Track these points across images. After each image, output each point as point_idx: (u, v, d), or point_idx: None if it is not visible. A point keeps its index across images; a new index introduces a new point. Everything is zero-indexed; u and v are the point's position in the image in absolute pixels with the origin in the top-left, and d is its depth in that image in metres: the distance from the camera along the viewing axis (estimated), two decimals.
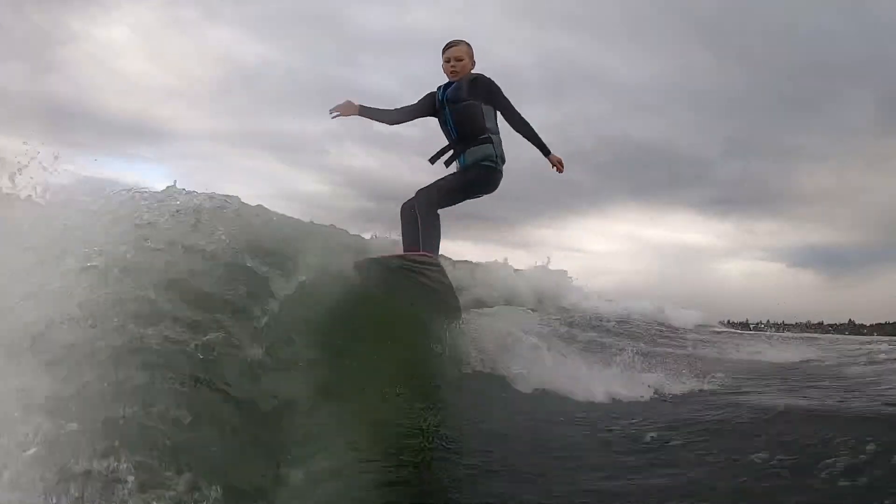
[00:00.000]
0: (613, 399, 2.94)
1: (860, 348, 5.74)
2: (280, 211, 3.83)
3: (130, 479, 1.46)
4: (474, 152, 3.62)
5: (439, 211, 3.62)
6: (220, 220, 2.79)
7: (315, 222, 4.32)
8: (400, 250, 3.78)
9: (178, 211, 2.62)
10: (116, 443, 1.53)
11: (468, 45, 3.68)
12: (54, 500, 1.38)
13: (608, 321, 6.30)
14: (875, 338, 7.31)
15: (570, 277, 6.83)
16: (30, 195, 2.63)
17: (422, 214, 3.61)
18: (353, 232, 4.70)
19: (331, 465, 1.86)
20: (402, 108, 3.80)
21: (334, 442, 1.99)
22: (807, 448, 2.05)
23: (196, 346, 2.05)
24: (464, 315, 3.64)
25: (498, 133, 3.68)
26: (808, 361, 4.80)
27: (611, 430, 2.42)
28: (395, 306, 3.42)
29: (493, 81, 3.63)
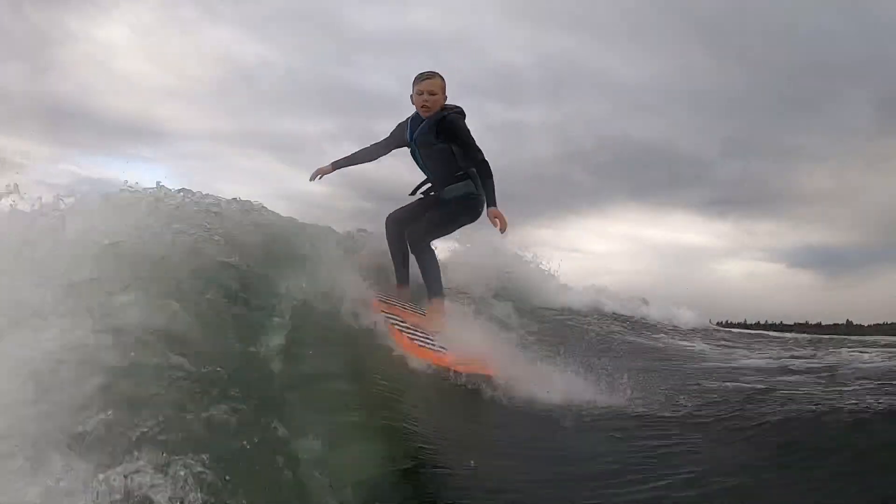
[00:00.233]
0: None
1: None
2: (278, 211, 3.82)
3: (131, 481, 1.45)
4: (452, 190, 3.64)
5: None
6: (235, 224, 2.82)
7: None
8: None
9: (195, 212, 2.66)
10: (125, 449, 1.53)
11: (442, 78, 3.52)
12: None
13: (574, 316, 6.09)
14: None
15: (552, 275, 6.66)
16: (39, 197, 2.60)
17: (417, 253, 3.64)
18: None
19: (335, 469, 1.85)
20: (375, 144, 3.81)
21: (340, 446, 1.98)
22: None
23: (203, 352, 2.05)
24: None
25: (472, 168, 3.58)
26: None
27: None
28: None
29: (458, 120, 3.52)
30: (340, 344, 2.85)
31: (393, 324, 3.32)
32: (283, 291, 2.79)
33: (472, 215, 3.68)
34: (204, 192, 3.09)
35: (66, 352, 1.76)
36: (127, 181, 2.89)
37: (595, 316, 6.40)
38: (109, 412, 1.61)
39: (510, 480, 1.99)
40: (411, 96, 3.54)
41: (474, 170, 3.55)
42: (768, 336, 7.50)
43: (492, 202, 3.38)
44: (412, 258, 3.79)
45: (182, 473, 1.48)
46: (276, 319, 2.56)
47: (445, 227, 3.75)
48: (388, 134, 3.78)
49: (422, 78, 3.50)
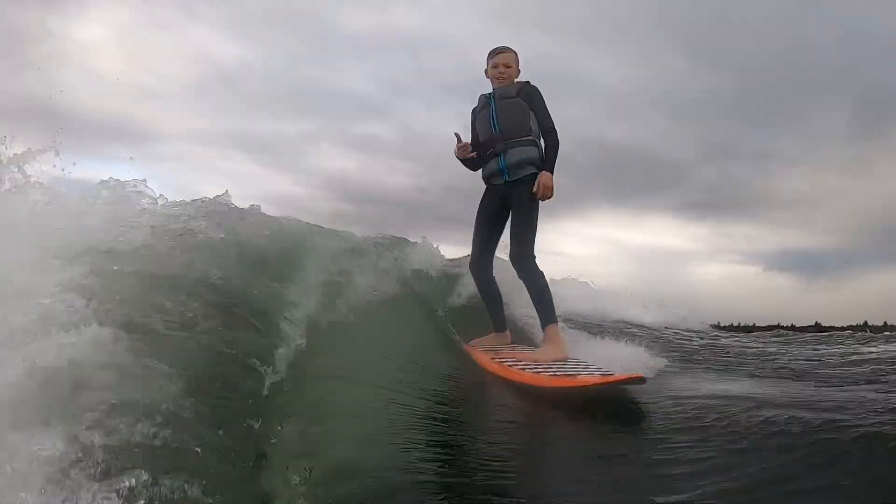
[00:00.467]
0: None
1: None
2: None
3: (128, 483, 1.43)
4: (518, 153, 3.47)
5: None
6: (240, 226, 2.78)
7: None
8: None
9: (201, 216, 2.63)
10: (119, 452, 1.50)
11: (515, 52, 3.66)
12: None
13: None
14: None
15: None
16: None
17: (526, 274, 3.41)
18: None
19: (338, 468, 1.82)
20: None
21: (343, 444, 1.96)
22: None
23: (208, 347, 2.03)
24: None
25: (540, 140, 3.54)
26: None
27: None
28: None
29: (537, 88, 3.58)
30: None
31: (506, 364, 3.18)
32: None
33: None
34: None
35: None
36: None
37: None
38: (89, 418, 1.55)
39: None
40: (486, 70, 3.68)
41: (540, 141, 3.52)
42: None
43: (548, 167, 3.42)
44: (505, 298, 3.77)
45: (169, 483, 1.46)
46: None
47: (531, 217, 3.48)
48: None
49: (497, 52, 3.65)
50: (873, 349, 4.84)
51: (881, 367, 3.67)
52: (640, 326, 6.58)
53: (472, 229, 3.78)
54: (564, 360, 3.22)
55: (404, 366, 2.92)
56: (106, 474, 1.42)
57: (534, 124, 3.52)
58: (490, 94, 3.65)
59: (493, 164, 3.57)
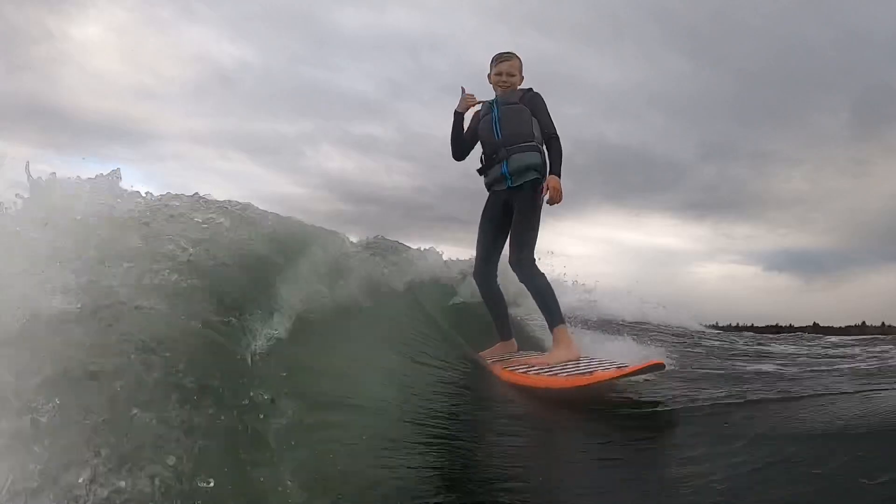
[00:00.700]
0: None
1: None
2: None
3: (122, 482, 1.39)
4: (520, 158, 3.47)
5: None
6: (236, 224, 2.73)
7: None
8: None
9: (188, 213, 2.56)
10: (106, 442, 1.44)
11: (519, 59, 3.63)
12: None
13: None
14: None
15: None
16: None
17: (527, 278, 3.39)
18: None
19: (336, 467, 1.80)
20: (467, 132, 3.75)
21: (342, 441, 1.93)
22: None
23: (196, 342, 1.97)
24: None
25: (543, 146, 3.54)
26: None
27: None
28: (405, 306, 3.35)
29: (540, 95, 3.58)
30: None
31: (519, 372, 3.16)
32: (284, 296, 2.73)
33: (542, 195, 3.47)
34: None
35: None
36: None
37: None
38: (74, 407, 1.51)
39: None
40: (488, 75, 3.64)
41: (542, 148, 3.52)
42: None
43: (555, 171, 3.39)
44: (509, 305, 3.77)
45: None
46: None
47: (533, 221, 3.47)
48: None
49: (500, 59, 3.61)
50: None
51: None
52: (640, 326, 6.57)
53: (473, 230, 3.77)
54: (577, 360, 3.21)
55: (407, 369, 2.90)
56: (106, 474, 1.38)
57: (536, 130, 3.51)
58: (493, 100, 3.65)
59: (495, 171, 3.57)
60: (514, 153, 3.49)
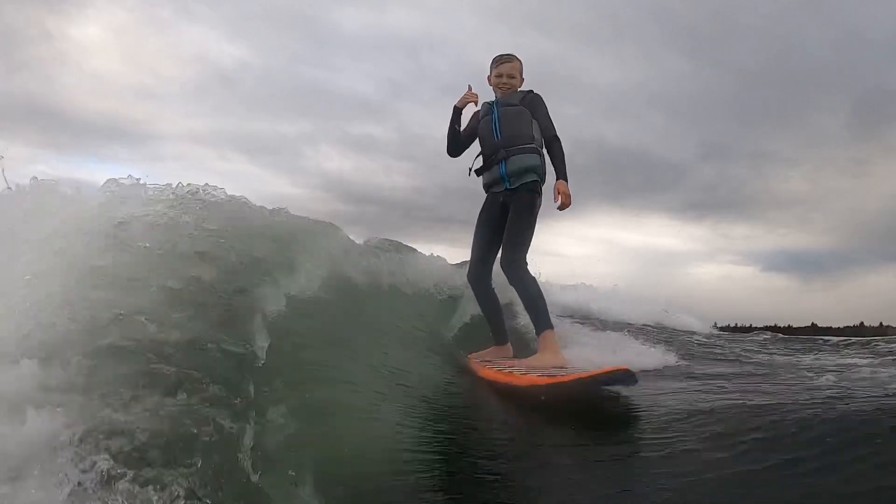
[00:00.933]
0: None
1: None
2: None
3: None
4: (519, 160, 3.45)
5: None
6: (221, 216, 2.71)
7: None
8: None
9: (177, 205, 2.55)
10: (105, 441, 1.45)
11: (520, 61, 3.62)
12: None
13: None
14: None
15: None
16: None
17: (516, 281, 3.36)
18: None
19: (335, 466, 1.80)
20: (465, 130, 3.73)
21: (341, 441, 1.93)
22: None
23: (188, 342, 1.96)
24: None
25: (542, 149, 3.52)
26: None
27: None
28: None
29: (541, 97, 3.57)
30: None
31: (495, 369, 3.15)
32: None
33: (540, 197, 3.51)
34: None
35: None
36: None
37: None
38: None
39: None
40: (489, 77, 3.65)
41: (542, 150, 3.51)
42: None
43: (561, 175, 3.38)
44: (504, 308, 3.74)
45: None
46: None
47: (528, 223, 3.46)
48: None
49: (501, 61, 3.61)
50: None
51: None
52: (641, 326, 6.56)
53: (472, 231, 3.74)
54: (563, 366, 3.15)
55: (398, 371, 2.88)
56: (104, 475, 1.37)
57: (536, 133, 3.50)
58: (493, 102, 3.64)
59: (494, 172, 3.56)
60: (512, 155, 3.48)
